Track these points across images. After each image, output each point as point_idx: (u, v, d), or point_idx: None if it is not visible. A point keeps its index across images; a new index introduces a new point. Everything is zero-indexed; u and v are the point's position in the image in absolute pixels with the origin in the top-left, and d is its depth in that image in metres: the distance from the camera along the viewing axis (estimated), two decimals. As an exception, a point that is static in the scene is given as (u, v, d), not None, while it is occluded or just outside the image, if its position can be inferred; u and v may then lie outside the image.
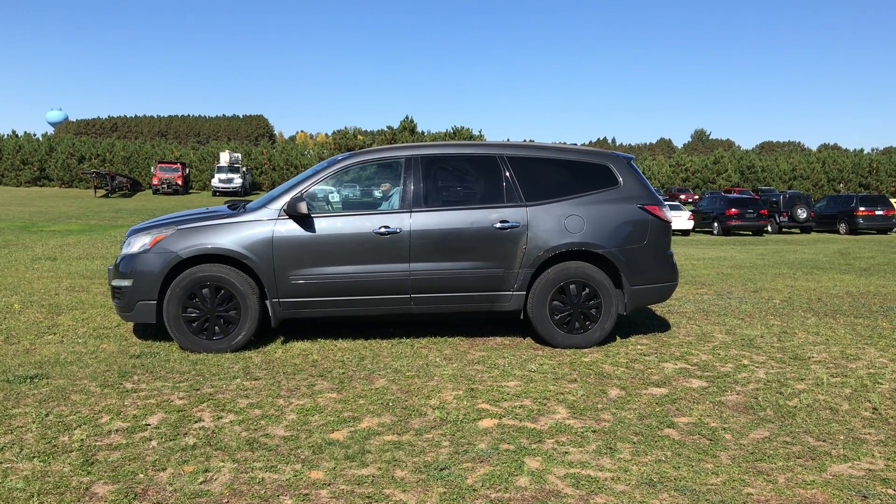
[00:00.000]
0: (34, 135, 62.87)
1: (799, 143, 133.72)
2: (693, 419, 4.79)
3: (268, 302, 6.50)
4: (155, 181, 52.14)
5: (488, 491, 3.67)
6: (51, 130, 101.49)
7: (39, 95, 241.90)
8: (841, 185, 61.62)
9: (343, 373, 5.81)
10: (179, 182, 52.34)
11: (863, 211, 30.71)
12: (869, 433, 4.56)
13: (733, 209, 30.38)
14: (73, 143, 60.56)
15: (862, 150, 69.56)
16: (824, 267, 14.64)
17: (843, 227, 31.40)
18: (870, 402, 5.17)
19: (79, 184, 55.98)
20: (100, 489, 3.63)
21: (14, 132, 62.01)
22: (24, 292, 9.51)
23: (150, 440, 4.29)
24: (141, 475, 3.80)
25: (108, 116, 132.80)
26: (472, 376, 5.74)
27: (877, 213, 30.95)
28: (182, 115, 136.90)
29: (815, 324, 7.99)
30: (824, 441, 4.41)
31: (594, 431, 4.54)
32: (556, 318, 6.69)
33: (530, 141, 8.32)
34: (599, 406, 5.04)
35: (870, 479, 3.85)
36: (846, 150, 79.44)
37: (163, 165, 53.42)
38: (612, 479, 3.82)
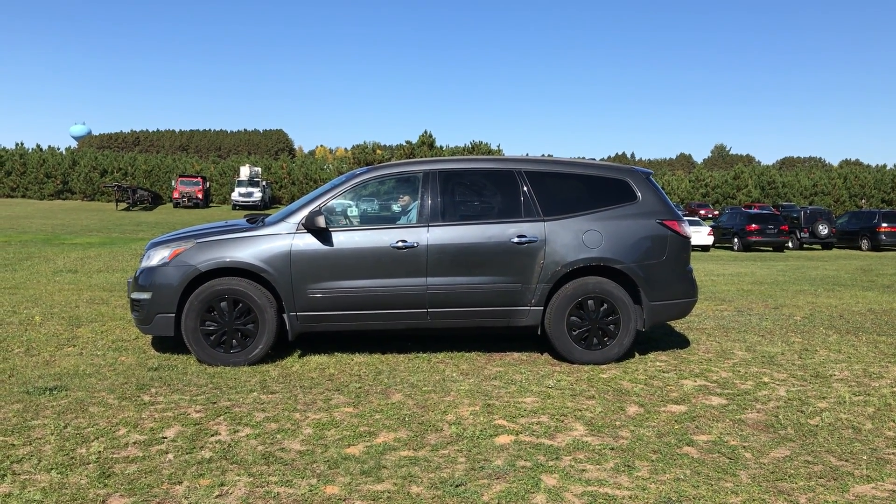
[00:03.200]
0: (58, 148, 63.69)
1: (820, 158, 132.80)
2: (712, 437, 4.73)
3: (285, 315, 6.51)
4: (176, 195, 52.62)
5: (504, 508, 3.64)
6: (74, 144, 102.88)
7: (63, 110, 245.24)
8: (863, 200, 61.07)
9: (360, 387, 5.80)
10: (200, 196, 52.77)
11: (885, 227, 30.31)
12: (893, 453, 4.48)
13: (753, 225, 30.14)
14: (96, 157, 61.28)
15: (885, 166, 69.00)
16: (846, 283, 14.48)
17: (865, 244, 31.02)
18: (894, 421, 5.09)
19: (101, 197, 56.59)
20: (116, 502, 3.64)
21: (38, 146, 62.80)
22: (45, 304, 9.60)
23: (167, 453, 4.30)
24: (157, 488, 3.80)
25: (131, 130, 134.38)
26: (489, 392, 5.71)
27: (900, 229, 30.55)
28: (203, 130, 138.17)
29: (837, 341, 7.89)
30: (847, 461, 4.34)
31: (612, 449, 4.49)
32: (574, 333, 6.65)
33: (548, 156, 8.30)
34: (617, 423, 4.99)
35: (893, 501, 3.78)
36: (868, 165, 78.83)
37: (183, 179, 53.94)
38: (630, 498, 3.78)
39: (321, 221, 6.43)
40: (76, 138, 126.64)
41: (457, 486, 3.88)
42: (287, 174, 61.08)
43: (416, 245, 6.53)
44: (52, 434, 4.56)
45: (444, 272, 6.55)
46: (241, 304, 6.44)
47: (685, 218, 7.21)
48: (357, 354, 6.90)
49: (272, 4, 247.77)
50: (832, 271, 17.79)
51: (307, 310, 6.50)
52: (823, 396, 5.69)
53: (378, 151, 61.16)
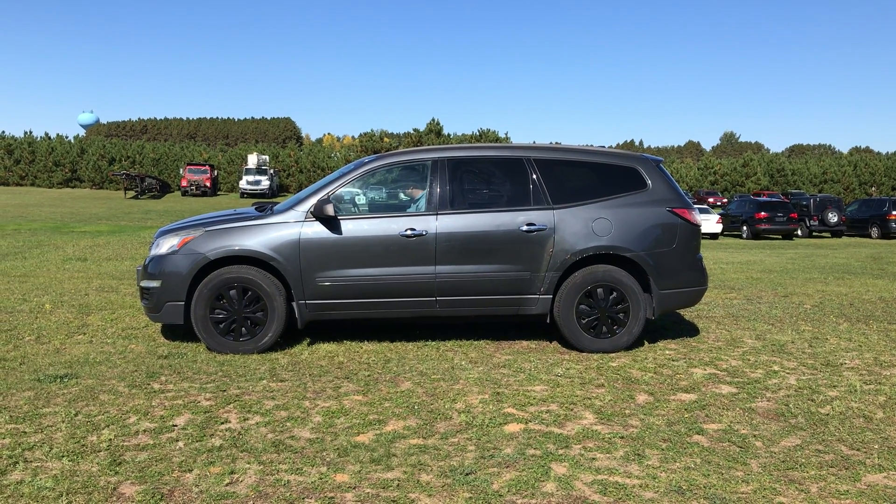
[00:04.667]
0: (66, 137, 63.75)
1: (830, 145, 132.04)
2: (723, 426, 4.71)
3: (294, 303, 6.52)
4: (184, 183, 52.66)
5: (514, 496, 3.64)
6: (82, 133, 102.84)
7: (71, 98, 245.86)
8: (873, 188, 60.68)
9: (369, 375, 5.80)
10: (208, 184, 52.81)
11: (895, 215, 30.15)
12: (904, 442, 4.45)
13: (763, 213, 30.01)
14: (104, 146, 61.35)
15: (895, 153, 68.38)
16: (856, 272, 14.41)
17: (875, 232, 30.85)
18: (905, 410, 5.06)
19: (109, 185, 56.70)
20: (127, 489, 3.65)
21: (47, 134, 62.91)
22: (55, 292, 9.64)
23: (177, 441, 4.31)
24: (167, 476, 3.81)
25: (139, 119, 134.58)
26: (498, 380, 5.71)
27: (910, 217, 30.35)
28: (210, 118, 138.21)
29: (848, 329, 7.85)
30: (858, 450, 4.32)
31: (622, 437, 4.48)
32: (583, 322, 6.63)
33: (557, 143, 8.26)
34: (627, 412, 4.98)
35: (906, 490, 3.76)
36: (878, 153, 78.24)
37: (191, 167, 53.94)
38: (641, 486, 3.77)
39: (330, 210, 6.42)
40: (84, 127, 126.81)
41: (466, 474, 3.88)
42: (295, 162, 61.06)
43: (424, 233, 6.51)
44: (64, 422, 4.58)
45: (452, 260, 6.53)
46: (250, 293, 6.44)
47: (694, 206, 7.17)
48: (366, 342, 6.91)
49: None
50: (842, 259, 17.71)
51: (316, 298, 6.50)
52: (834, 385, 5.67)
53: (386, 139, 60.93)
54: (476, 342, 7.00)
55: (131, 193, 50.75)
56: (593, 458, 4.14)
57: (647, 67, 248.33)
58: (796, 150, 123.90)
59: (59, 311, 8.26)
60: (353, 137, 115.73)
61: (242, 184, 52.30)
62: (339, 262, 6.48)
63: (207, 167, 54.33)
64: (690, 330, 7.76)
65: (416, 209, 6.81)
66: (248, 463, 4.00)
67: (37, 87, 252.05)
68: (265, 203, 7.46)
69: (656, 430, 4.61)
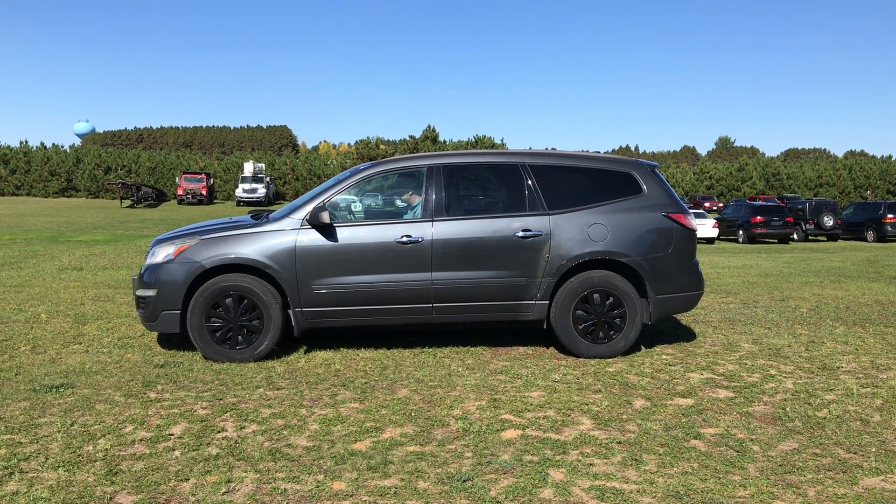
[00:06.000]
0: (62, 146, 63.87)
1: (825, 149, 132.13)
2: (720, 430, 4.71)
3: (290, 311, 6.51)
4: (180, 191, 52.69)
5: (512, 503, 3.63)
6: (78, 142, 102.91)
7: (67, 108, 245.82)
8: (868, 192, 60.86)
9: (365, 382, 5.79)
10: (204, 192, 52.84)
11: (891, 218, 30.17)
12: (901, 445, 4.45)
13: (758, 217, 30.07)
14: (100, 155, 61.37)
15: (890, 157, 68.65)
16: (852, 275, 14.42)
17: (870, 235, 30.91)
18: (902, 413, 5.06)
19: (105, 194, 56.69)
20: (123, 499, 3.64)
21: (42, 144, 62.95)
22: (51, 302, 9.61)
23: (174, 450, 4.30)
24: (164, 485, 3.80)
25: (135, 128, 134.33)
26: (495, 386, 5.70)
27: (905, 220, 30.41)
28: (207, 126, 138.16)
29: (844, 333, 7.86)
30: (855, 453, 4.32)
31: (619, 443, 4.48)
32: (580, 327, 6.63)
33: (552, 149, 8.28)
34: (624, 417, 4.98)
35: (903, 493, 3.76)
36: (873, 156, 78.37)
37: (187, 176, 53.99)
38: (638, 492, 3.77)
39: (325, 217, 6.42)
40: (80, 136, 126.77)
41: (464, 481, 3.87)
42: (291, 170, 61.12)
43: (420, 240, 6.51)
44: (59, 432, 4.56)
45: (448, 267, 6.53)
46: (246, 301, 6.43)
47: (690, 210, 7.18)
48: (362, 350, 6.90)
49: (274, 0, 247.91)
50: (838, 263, 17.73)
51: (312, 305, 6.49)
52: (831, 388, 5.67)
53: (381, 146, 60.97)
54: (473, 348, 6.99)
55: (127, 202, 50.71)
56: (591, 464, 4.14)
57: (643, 73, 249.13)
58: (791, 155, 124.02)
59: (54, 321, 8.24)
60: (349, 145, 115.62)
61: (239, 192, 52.35)
62: (336, 269, 6.48)
63: (203, 175, 54.38)
64: (687, 334, 7.76)
65: (412, 216, 6.81)
66: (245, 471, 3.99)
67: (32, 96, 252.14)
68: (261, 211, 7.46)
69: (654, 436, 4.60)
